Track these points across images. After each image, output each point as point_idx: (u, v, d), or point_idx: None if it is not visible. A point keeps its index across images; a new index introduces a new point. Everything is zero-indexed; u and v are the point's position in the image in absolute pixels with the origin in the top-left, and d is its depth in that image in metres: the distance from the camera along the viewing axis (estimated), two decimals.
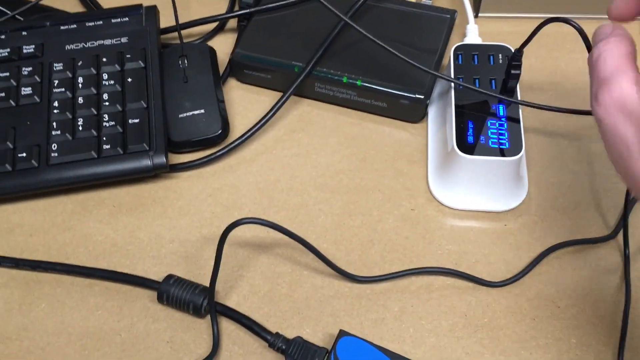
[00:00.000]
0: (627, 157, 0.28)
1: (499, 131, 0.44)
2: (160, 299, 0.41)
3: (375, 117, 0.50)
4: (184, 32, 0.53)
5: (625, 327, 0.39)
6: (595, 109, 0.29)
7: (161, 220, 0.46)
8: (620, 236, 0.43)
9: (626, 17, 0.33)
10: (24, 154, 0.44)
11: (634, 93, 0.28)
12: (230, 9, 0.56)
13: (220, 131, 0.48)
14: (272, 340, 0.39)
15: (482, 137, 0.43)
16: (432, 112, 0.49)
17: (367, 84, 0.48)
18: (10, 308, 0.42)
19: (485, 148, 0.43)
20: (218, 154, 0.47)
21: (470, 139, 0.43)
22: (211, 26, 0.55)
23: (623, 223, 0.43)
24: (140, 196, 0.47)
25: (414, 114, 0.48)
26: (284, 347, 0.39)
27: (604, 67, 0.29)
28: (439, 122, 0.48)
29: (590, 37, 0.33)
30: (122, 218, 0.46)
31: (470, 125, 0.44)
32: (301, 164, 0.48)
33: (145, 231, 0.45)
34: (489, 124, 0.44)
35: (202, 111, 0.48)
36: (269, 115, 0.48)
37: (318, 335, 0.40)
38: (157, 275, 0.43)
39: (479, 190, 0.44)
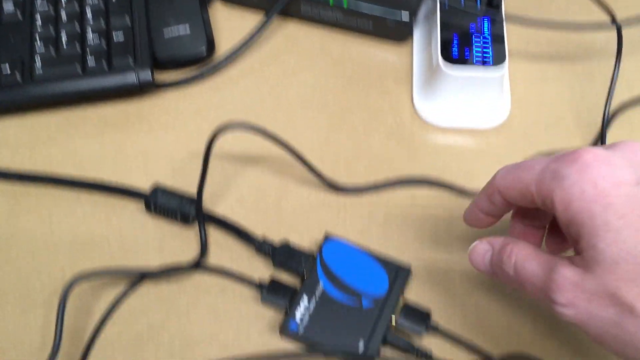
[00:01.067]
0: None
1: (484, 48, 0.44)
2: (148, 208, 0.41)
3: (362, 38, 0.50)
4: None
5: None
6: (562, 311, 0.27)
7: (148, 136, 0.46)
8: None
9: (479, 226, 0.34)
10: (8, 70, 0.44)
11: (575, 273, 0.26)
12: None
13: (205, 49, 0.47)
14: (259, 244, 0.40)
15: (467, 53, 0.44)
16: (418, 33, 0.49)
17: (353, 7, 0.48)
18: None
19: (469, 63, 0.43)
20: (205, 72, 0.47)
21: (455, 54, 0.44)
22: None
23: (602, 136, 0.44)
24: (126, 113, 0.47)
25: (400, 34, 0.49)
26: (270, 251, 0.40)
27: (532, 270, 0.28)
28: (425, 43, 0.48)
29: None
30: (108, 134, 0.46)
31: (455, 42, 0.44)
32: (287, 84, 0.48)
33: (132, 146, 0.45)
34: (473, 41, 0.44)
35: (187, 28, 0.47)
36: (255, 34, 0.48)
37: (304, 242, 0.41)
38: (145, 188, 0.43)
39: (462, 107, 0.45)
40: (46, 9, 0.46)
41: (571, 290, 0.26)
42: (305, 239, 0.41)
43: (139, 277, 0.39)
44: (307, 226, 0.42)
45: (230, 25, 0.51)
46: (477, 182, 0.43)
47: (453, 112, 0.45)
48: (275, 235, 0.41)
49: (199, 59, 0.48)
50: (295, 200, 0.43)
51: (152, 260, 0.40)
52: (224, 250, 0.41)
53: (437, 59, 0.43)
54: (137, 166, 0.44)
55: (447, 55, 0.43)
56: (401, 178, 0.43)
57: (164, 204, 0.41)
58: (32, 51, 0.45)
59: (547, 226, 0.34)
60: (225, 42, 0.50)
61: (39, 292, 0.39)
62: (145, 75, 0.45)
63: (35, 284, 0.40)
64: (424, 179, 0.43)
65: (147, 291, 0.39)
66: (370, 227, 0.42)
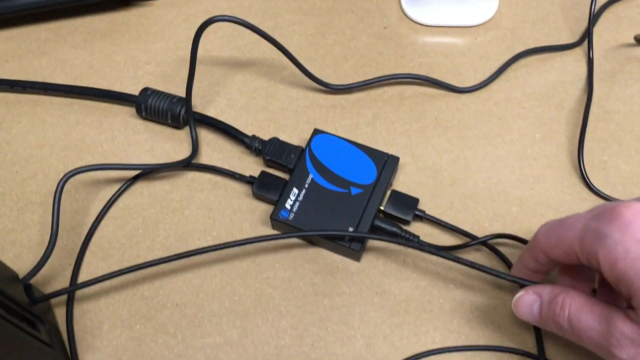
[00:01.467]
0: None
1: None
2: (138, 110, 0.42)
3: None
4: None
5: (585, 122, 0.41)
6: None
7: (136, 44, 0.46)
8: (585, 44, 0.44)
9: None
10: None
11: (634, 330, 0.26)
12: None
13: None
14: (249, 142, 0.40)
15: None
16: None
17: None
18: None
19: None
20: None
21: None
22: None
23: (588, 31, 0.44)
24: (114, 23, 0.47)
25: None
26: (260, 147, 0.40)
27: (588, 323, 0.27)
28: None
29: None
30: (97, 43, 0.46)
31: None
32: None
33: (121, 54, 0.45)
34: None
35: None
36: None
37: (294, 140, 0.41)
38: (135, 93, 0.43)
39: (450, 5, 0.45)
40: None
41: (632, 347, 0.26)
42: (295, 138, 0.42)
43: (133, 176, 0.40)
44: (296, 126, 0.42)
45: None
46: (465, 78, 0.44)
47: (440, 11, 0.45)
48: (265, 133, 0.42)
49: None
50: (284, 101, 0.43)
51: (145, 162, 0.41)
52: (215, 150, 0.42)
53: None
54: (127, 74, 0.45)
55: None
56: (389, 75, 0.43)
57: (154, 105, 0.41)
58: None
59: (597, 277, 0.32)
60: None
61: (35, 194, 0.40)
62: None
63: (32, 186, 0.41)
64: (413, 75, 0.43)
65: (140, 190, 0.40)
66: (360, 124, 0.42)
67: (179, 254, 0.36)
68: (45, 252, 0.35)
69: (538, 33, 0.45)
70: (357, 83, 0.43)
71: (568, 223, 0.28)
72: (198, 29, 0.39)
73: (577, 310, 0.28)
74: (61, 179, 0.37)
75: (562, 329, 0.29)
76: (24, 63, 0.45)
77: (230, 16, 0.39)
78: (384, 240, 0.36)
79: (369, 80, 0.43)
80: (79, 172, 0.37)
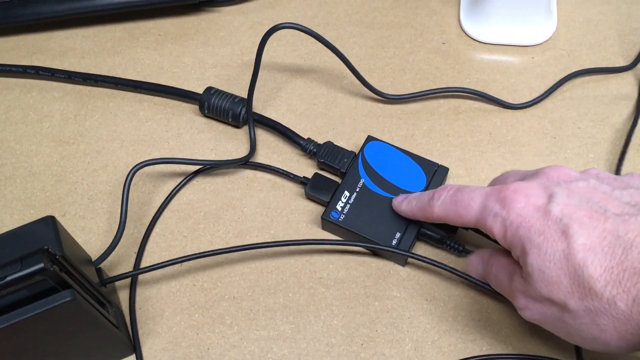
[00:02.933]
0: None
1: None
2: (201, 108, 0.44)
3: None
4: None
5: (627, 142, 0.42)
6: (522, 313, 0.32)
7: (204, 48, 0.48)
8: (638, 67, 0.45)
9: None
10: None
11: (522, 283, 0.31)
12: None
13: None
14: (304, 144, 0.42)
15: None
16: None
17: None
18: (67, 118, 0.45)
19: None
20: None
21: None
22: None
23: None
24: (184, 27, 0.49)
25: None
26: (315, 150, 0.42)
27: (502, 280, 0.33)
28: None
29: None
30: (167, 45, 0.48)
31: None
32: (336, 2, 0.50)
33: (190, 57, 0.48)
34: None
35: None
36: None
37: (349, 146, 0.43)
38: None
39: (509, 24, 0.46)
40: None
41: (522, 297, 0.32)
42: (350, 145, 0.43)
43: (194, 171, 0.42)
44: (353, 133, 0.44)
45: None
46: (521, 96, 0.45)
47: (499, 29, 0.46)
48: (322, 138, 0.43)
49: None
50: (342, 109, 0.45)
51: (207, 158, 0.43)
52: (273, 151, 0.43)
53: None
54: (194, 75, 0.47)
55: None
56: (445, 88, 0.44)
57: (216, 103, 0.43)
58: None
59: None
60: None
61: (104, 184, 0.43)
62: None
63: (102, 176, 0.43)
64: (469, 90, 0.44)
65: (202, 185, 0.42)
66: (415, 135, 0.43)
67: (238, 246, 0.38)
68: (114, 238, 0.37)
69: (594, 56, 0.46)
70: (413, 94, 0.44)
71: (463, 203, 0.34)
72: (265, 34, 0.41)
73: (497, 270, 0.34)
74: (130, 170, 0.39)
75: (492, 284, 0.35)
76: (99, 60, 0.48)
77: (296, 24, 0.41)
78: (422, 260, 0.37)
79: (424, 91, 0.44)
80: (146, 165, 0.39)
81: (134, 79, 0.46)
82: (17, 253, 0.28)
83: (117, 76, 0.46)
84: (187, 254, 0.38)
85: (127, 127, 0.45)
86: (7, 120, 0.45)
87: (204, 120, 0.45)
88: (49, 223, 0.30)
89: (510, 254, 0.32)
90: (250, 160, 0.43)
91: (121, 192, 0.39)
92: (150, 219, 0.41)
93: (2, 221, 0.41)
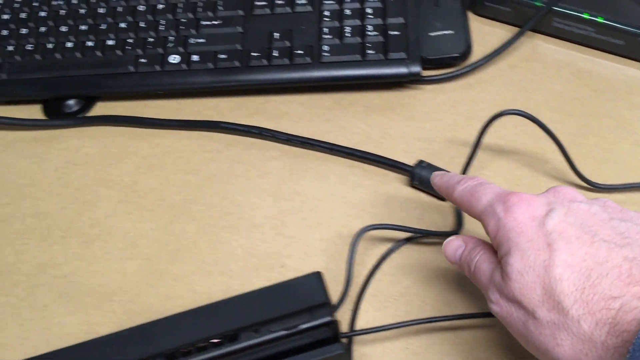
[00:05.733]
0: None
1: None
2: (412, 179, 0.47)
3: (608, 55, 0.53)
4: None
5: None
6: (491, 307, 0.34)
7: (408, 122, 0.51)
8: None
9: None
10: (301, 52, 0.52)
11: (500, 280, 0.33)
12: None
13: (464, 52, 0.53)
14: None
15: None
16: None
17: (608, 21, 0.51)
18: (283, 175, 0.49)
19: None
20: (462, 71, 0.53)
21: None
22: None
23: None
24: (389, 101, 0.53)
25: None
26: None
27: (484, 270, 0.35)
28: None
29: None
30: (373, 117, 0.52)
31: None
32: (535, 89, 0.52)
33: (395, 129, 0.51)
34: None
35: (452, 32, 0.53)
36: (510, 41, 0.53)
37: None
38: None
39: None
40: (332, 2, 0.54)
41: (496, 292, 0.33)
42: None
43: (405, 238, 0.45)
44: None
45: (479, 34, 0.56)
46: None
47: None
48: None
49: (457, 59, 0.53)
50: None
51: (414, 226, 0.46)
52: (478, 225, 0.45)
53: None
54: (399, 147, 0.50)
55: None
56: None
57: (428, 177, 0.46)
58: (319, 38, 0.52)
59: None
60: (474, 48, 0.55)
61: (319, 240, 0.46)
62: (415, 67, 0.51)
63: (316, 233, 0.46)
64: None
65: (411, 252, 0.45)
66: None
67: (449, 315, 0.40)
68: (342, 294, 0.40)
69: None
70: (625, 184, 0.45)
71: (477, 195, 0.36)
72: (490, 118, 0.44)
73: (482, 260, 0.35)
74: (357, 232, 0.42)
75: (469, 270, 0.36)
76: (311, 125, 0.52)
77: (521, 110, 0.44)
78: None
79: (635, 183, 0.45)
80: (373, 229, 0.42)
81: (344, 145, 0.50)
82: (293, 304, 0.32)
83: (330, 141, 0.50)
84: (401, 319, 0.40)
85: (338, 190, 0.48)
86: (231, 173, 0.50)
87: (410, 190, 0.48)
88: (318, 278, 0.33)
89: (496, 252, 0.34)
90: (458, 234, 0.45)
91: (336, 251, 0.42)
92: (363, 279, 0.44)
93: (227, 265, 0.45)
